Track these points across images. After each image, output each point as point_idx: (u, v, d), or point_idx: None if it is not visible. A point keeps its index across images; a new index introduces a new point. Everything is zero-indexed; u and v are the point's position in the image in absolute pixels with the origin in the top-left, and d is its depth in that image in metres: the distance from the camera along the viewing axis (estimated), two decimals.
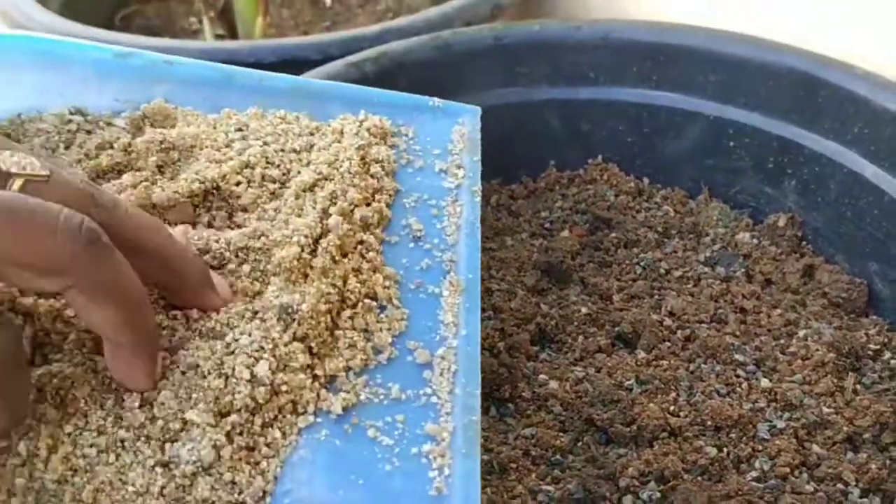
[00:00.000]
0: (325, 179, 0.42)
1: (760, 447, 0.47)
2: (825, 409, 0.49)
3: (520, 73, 0.69)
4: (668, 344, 0.54)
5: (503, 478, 0.46)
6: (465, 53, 0.67)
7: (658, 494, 0.44)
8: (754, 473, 0.45)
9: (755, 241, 0.64)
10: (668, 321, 0.56)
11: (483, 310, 0.58)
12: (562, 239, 0.64)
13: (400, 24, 0.72)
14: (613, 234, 0.65)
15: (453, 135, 0.50)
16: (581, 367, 0.53)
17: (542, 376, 0.53)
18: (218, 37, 0.90)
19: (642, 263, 0.62)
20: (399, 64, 0.65)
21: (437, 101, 0.53)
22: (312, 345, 0.35)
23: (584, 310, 0.57)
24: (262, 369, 0.33)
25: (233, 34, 0.90)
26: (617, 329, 0.56)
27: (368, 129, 0.47)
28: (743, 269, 0.61)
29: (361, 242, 0.41)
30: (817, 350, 0.53)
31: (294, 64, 0.67)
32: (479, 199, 0.46)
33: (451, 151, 0.48)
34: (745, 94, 0.64)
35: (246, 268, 0.37)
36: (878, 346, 0.54)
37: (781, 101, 0.62)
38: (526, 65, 0.69)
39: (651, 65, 0.67)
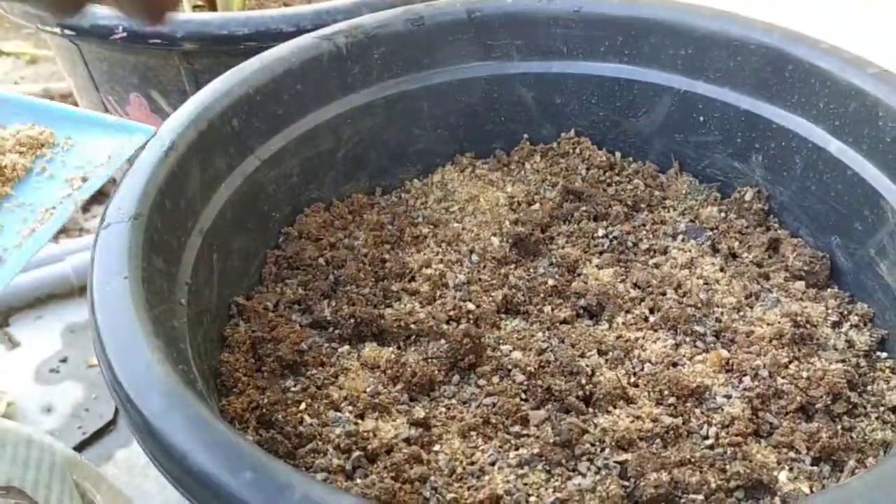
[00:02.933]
0: None
1: (716, 416, 0.48)
2: (780, 380, 0.50)
3: (493, 46, 0.69)
4: (631, 316, 0.55)
5: (464, 443, 0.47)
6: (438, 27, 0.67)
7: (613, 461, 0.45)
8: (708, 441, 0.47)
9: (722, 214, 0.64)
10: (633, 293, 0.57)
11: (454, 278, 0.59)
12: (532, 212, 0.65)
13: None
14: (584, 208, 0.66)
15: (110, 150, 0.53)
16: (545, 337, 0.54)
17: (506, 346, 0.54)
18: (196, 8, 0.89)
19: (611, 236, 0.63)
20: (372, 37, 0.65)
21: (112, 118, 0.56)
22: None
23: (550, 282, 0.58)
24: None
25: (212, 6, 0.90)
26: (582, 301, 0.57)
27: (19, 140, 0.52)
28: (709, 243, 0.62)
29: None
30: (776, 322, 0.54)
31: (267, 36, 0.67)
32: (75, 207, 0.50)
33: (93, 164, 0.52)
34: (715, 68, 0.64)
35: None
36: (836, 318, 0.55)
37: (749, 76, 0.63)
38: (499, 38, 0.69)
39: (623, 39, 0.67)
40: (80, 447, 0.83)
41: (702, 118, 0.66)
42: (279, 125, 0.61)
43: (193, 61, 0.69)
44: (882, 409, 0.49)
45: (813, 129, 0.60)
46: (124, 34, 0.67)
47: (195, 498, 0.34)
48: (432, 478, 0.44)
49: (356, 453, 0.45)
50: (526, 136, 0.73)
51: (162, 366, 0.37)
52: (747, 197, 0.64)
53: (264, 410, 0.47)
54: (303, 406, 0.49)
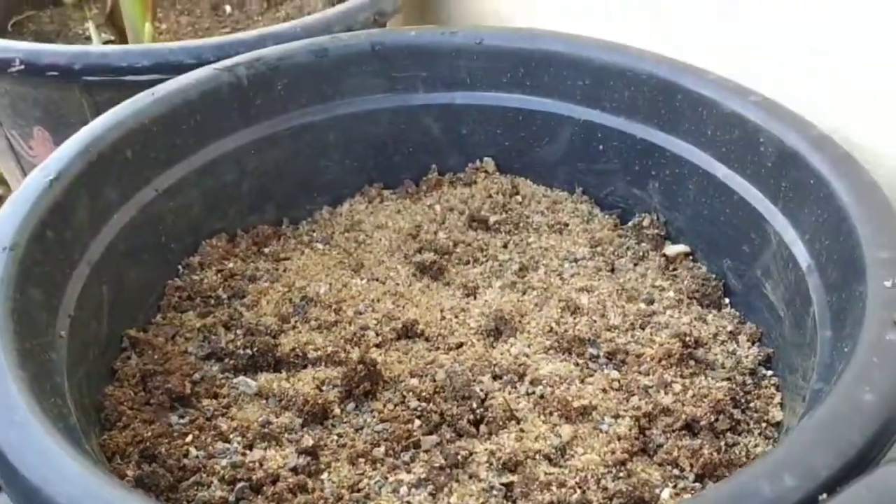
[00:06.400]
0: None
1: (604, 435, 0.48)
2: (668, 398, 0.51)
3: (397, 78, 0.70)
4: (527, 335, 0.56)
5: (352, 470, 0.46)
6: (342, 58, 0.68)
7: (499, 483, 0.45)
8: (596, 459, 0.47)
9: (621, 239, 0.66)
10: (530, 315, 0.58)
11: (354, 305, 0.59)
12: (438, 239, 0.66)
13: (279, 30, 0.73)
14: (488, 234, 0.66)
15: None
16: (442, 361, 0.54)
17: (403, 372, 0.53)
18: (107, 42, 0.89)
19: (513, 261, 0.64)
20: (274, 68, 0.66)
21: None
22: None
23: (450, 305, 0.59)
24: None
25: (123, 40, 0.89)
26: (481, 324, 0.57)
27: None
28: (608, 267, 0.63)
29: None
30: (667, 342, 0.55)
31: (168, 68, 0.67)
32: None
33: None
34: (611, 98, 0.66)
35: None
36: (725, 338, 0.56)
37: (643, 106, 0.64)
38: (403, 70, 0.70)
39: (524, 70, 0.69)
40: None
41: (601, 147, 0.68)
42: (177, 156, 0.61)
43: (95, 94, 0.68)
44: (764, 424, 0.50)
45: (702, 155, 0.62)
46: (21, 67, 0.66)
47: None
48: None
49: (240, 484, 0.45)
50: (434, 166, 0.73)
51: (23, 397, 0.36)
52: (645, 223, 0.66)
53: (148, 444, 0.46)
54: (189, 438, 0.48)
